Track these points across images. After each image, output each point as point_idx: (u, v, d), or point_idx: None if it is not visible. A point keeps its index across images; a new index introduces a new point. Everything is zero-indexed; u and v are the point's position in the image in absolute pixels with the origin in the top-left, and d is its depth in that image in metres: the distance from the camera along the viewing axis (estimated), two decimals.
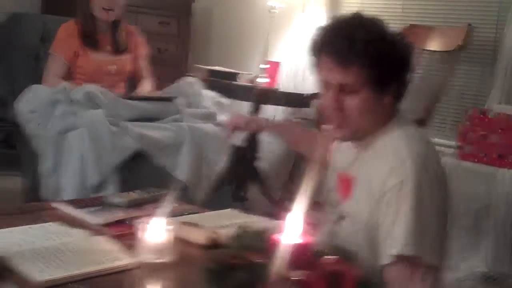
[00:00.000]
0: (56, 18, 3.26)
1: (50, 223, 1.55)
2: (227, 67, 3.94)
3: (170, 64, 4.32)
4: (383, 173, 1.43)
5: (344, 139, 1.59)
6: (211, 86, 3.42)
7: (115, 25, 3.06)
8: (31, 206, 1.91)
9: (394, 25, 3.59)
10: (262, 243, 1.12)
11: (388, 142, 1.49)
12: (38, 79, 2.94)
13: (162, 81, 3.35)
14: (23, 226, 1.50)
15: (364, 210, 1.47)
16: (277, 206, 3.67)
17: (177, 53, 4.43)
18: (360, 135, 1.53)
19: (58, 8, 3.70)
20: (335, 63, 1.46)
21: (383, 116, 1.52)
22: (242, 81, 3.73)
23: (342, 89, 1.48)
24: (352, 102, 1.47)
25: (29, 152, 2.65)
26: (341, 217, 1.55)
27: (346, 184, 1.57)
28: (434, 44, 3.39)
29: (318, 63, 1.52)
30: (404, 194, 1.39)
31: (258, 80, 3.70)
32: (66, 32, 2.97)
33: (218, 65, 3.98)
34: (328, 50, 1.47)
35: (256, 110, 3.74)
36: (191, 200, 2.73)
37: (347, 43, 1.43)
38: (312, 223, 1.17)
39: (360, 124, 1.50)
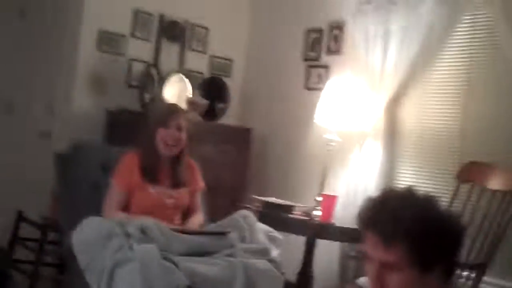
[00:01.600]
0: (117, 149, 3.37)
1: None
2: (283, 198, 3.93)
3: (227, 192, 4.35)
4: None
5: None
6: (265, 218, 3.40)
7: (176, 160, 3.13)
8: None
9: (453, 162, 3.62)
10: None
11: None
12: (97, 209, 3.00)
13: (217, 209, 3.37)
14: None
15: None
16: None
17: (235, 181, 4.48)
18: None
19: (120, 137, 3.83)
20: (379, 241, 1.44)
21: None
22: (297, 214, 3.70)
23: (385, 266, 1.45)
24: (394, 280, 1.44)
25: (82, 284, 2.65)
26: None
27: None
28: (495, 183, 3.31)
29: (364, 236, 1.50)
30: None
31: (314, 213, 3.66)
32: (127, 164, 3.07)
33: (274, 195, 3.98)
34: (372, 228, 1.46)
35: (310, 245, 3.68)
36: None
37: (392, 224, 1.42)
38: None
39: None
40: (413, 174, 3.88)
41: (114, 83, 4.40)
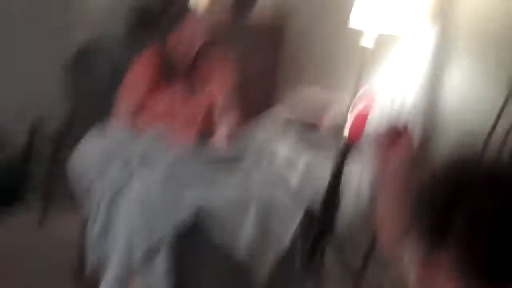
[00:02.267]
0: (137, 44, 3.01)
1: None
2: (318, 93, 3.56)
3: (257, 91, 4.02)
4: None
5: None
6: (290, 134, 3.09)
7: (195, 61, 2.83)
8: None
9: None
10: None
11: None
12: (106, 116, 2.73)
13: (247, 112, 3.04)
14: None
15: None
16: (355, 277, 3.31)
17: (264, 81, 4.12)
18: None
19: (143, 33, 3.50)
20: None
21: None
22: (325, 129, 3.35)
23: None
24: None
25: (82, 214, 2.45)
26: None
27: None
28: None
29: None
30: None
31: (344, 129, 3.31)
32: (141, 64, 2.76)
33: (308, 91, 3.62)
34: None
35: (339, 166, 3.36)
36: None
37: None
38: None
39: None
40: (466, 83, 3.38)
41: None
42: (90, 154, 2.48)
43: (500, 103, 2.75)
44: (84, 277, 2.58)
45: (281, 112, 3.22)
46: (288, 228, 2.55)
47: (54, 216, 3.60)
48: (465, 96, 3.22)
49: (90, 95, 2.93)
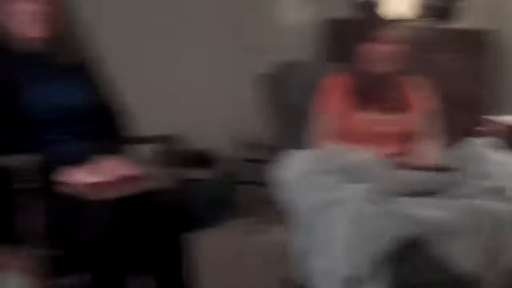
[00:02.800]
0: (333, 66, 2.99)
1: None
2: None
3: (461, 108, 3.78)
4: None
5: None
6: (506, 145, 2.84)
7: (391, 79, 2.68)
8: None
9: None
10: None
11: None
12: (304, 134, 2.72)
13: (450, 130, 2.86)
14: None
15: None
16: None
17: (469, 95, 3.87)
18: None
19: (336, 51, 3.47)
20: None
21: None
22: None
23: None
24: None
25: (290, 226, 2.43)
26: None
27: None
28: None
29: None
30: None
31: None
32: (334, 87, 2.70)
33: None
34: None
35: None
36: None
37: None
38: None
39: None
40: None
41: None
42: (294, 169, 2.44)
43: None
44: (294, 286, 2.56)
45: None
46: None
47: (260, 228, 3.67)
48: None
49: (287, 114, 2.92)
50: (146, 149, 2.25)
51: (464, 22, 4.04)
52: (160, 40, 4.15)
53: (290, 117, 2.86)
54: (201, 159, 3.93)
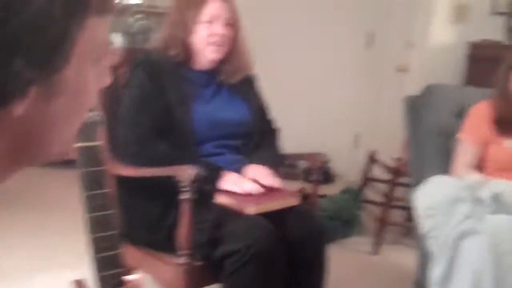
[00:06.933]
0: (476, 90, 2.94)
1: None
2: None
3: None
4: None
5: None
6: None
7: None
8: None
9: None
10: None
11: None
12: (447, 160, 2.67)
13: None
14: None
15: None
16: None
17: None
18: None
19: (482, 75, 3.37)
20: None
21: None
22: None
23: None
24: None
25: (425, 251, 2.39)
26: None
27: None
28: None
29: None
30: None
31: None
32: (478, 114, 2.64)
33: None
34: None
35: None
36: None
37: None
38: None
39: None
40: None
41: (477, 10, 3.91)
42: (436, 194, 2.40)
43: None
44: None
45: None
46: None
47: (387, 246, 3.65)
48: None
49: (429, 138, 2.87)
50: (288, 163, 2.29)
51: None
52: (301, 56, 4.20)
53: (433, 141, 2.82)
54: (330, 175, 3.95)
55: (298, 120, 3.79)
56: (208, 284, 2.08)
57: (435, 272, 2.27)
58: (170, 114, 2.09)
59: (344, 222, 3.73)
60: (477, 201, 2.33)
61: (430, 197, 2.40)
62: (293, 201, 2.14)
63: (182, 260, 1.97)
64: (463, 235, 2.22)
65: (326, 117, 4.24)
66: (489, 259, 2.09)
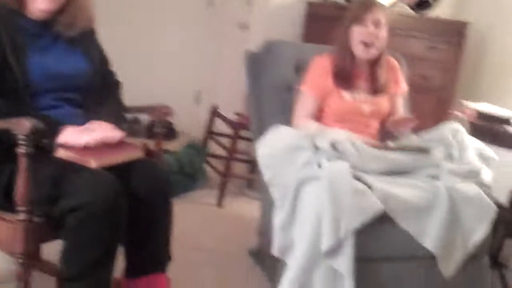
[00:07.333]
0: (314, 47, 3.04)
1: None
2: (499, 105, 3.39)
3: (434, 94, 3.92)
4: None
5: None
6: (477, 130, 2.95)
7: (375, 62, 2.75)
8: None
9: None
10: None
11: None
12: (287, 112, 2.76)
13: (422, 113, 2.96)
14: None
15: None
16: None
17: (443, 82, 3.99)
18: None
19: (319, 33, 3.51)
20: None
21: None
22: None
23: None
24: None
25: (267, 199, 2.48)
26: None
27: None
28: None
29: None
30: None
31: None
32: (318, 68, 2.75)
33: (488, 101, 3.45)
34: None
35: None
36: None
37: None
38: None
39: None
40: None
41: None
42: (276, 144, 2.49)
43: None
44: (265, 257, 2.62)
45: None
46: (479, 223, 2.43)
47: (231, 198, 3.75)
48: None
49: (270, 92, 2.96)
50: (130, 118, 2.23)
51: (441, 11, 4.14)
52: (143, 15, 4.11)
53: (273, 95, 2.90)
54: (173, 131, 3.94)
55: (140, 76, 3.71)
56: (48, 241, 2.01)
57: (278, 218, 2.36)
58: (4, 64, 1.97)
59: (188, 176, 3.76)
60: (317, 149, 2.43)
61: (271, 146, 2.48)
62: (137, 154, 2.11)
63: (20, 217, 1.87)
64: (303, 181, 2.32)
65: (168, 74, 4.20)
66: (327, 202, 2.20)
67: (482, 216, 2.44)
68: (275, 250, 2.36)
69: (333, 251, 2.19)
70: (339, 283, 2.21)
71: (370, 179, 2.35)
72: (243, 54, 2.98)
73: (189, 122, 4.12)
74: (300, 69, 2.92)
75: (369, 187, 2.31)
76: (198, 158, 3.89)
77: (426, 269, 2.39)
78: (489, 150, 2.70)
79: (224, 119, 3.88)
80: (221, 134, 4.00)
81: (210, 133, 4.07)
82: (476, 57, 4.15)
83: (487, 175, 2.59)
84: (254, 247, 2.99)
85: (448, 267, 2.39)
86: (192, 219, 3.39)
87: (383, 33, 2.70)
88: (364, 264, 2.27)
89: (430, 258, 2.36)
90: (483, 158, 2.65)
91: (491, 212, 2.47)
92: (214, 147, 4.06)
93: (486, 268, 2.57)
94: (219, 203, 3.69)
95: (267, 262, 2.61)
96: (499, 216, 2.63)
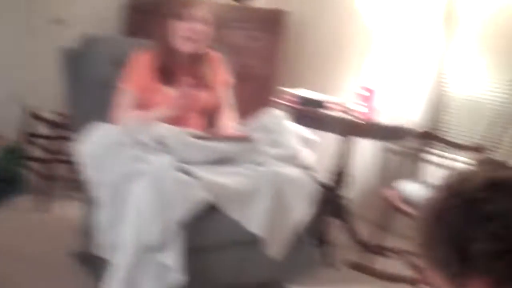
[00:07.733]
0: (134, 41, 2.94)
1: None
2: (317, 90, 3.53)
3: (256, 82, 3.99)
4: None
5: None
6: (297, 114, 3.03)
7: (197, 57, 2.73)
8: None
9: None
10: None
11: None
12: (107, 109, 2.65)
13: (244, 102, 2.99)
14: None
15: None
16: (363, 248, 3.29)
17: (264, 71, 4.07)
18: None
19: (141, 28, 3.41)
20: None
21: None
22: (333, 110, 3.30)
23: None
24: None
25: (90, 199, 2.37)
26: None
27: None
28: None
29: None
30: None
31: (350, 106, 3.27)
32: (139, 63, 2.67)
33: (308, 87, 3.57)
34: None
35: (348, 144, 3.34)
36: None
37: None
38: None
39: None
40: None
41: None
42: (98, 142, 2.38)
43: None
44: (90, 258, 2.51)
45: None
46: (302, 203, 2.52)
47: (57, 202, 3.55)
48: None
49: (90, 89, 2.84)
50: None
51: (264, 1, 4.22)
52: None
53: (93, 92, 2.77)
54: None
55: None
56: None
57: (102, 217, 2.27)
58: None
59: (4, 182, 3.52)
60: (140, 144, 2.36)
61: (92, 145, 2.37)
62: None
63: None
64: (127, 178, 2.24)
65: None
66: (151, 197, 2.15)
67: (304, 197, 2.53)
68: (100, 250, 2.27)
69: (160, 245, 2.15)
70: (169, 276, 2.18)
71: (195, 170, 2.34)
72: (60, 52, 2.82)
73: (3, 124, 3.85)
74: (119, 64, 2.79)
75: (195, 178, 2.29)
76: (15, 162, 3.64)
77: (256, 253, 2.43)
78: (310, 134, 2.79)
79: (43, 119, 3.66)
80: (41, 136, 3.78)
81: (29, 135, 3.82)
82: (295, 45, 4.28)
83: (309, 157, 2.68)
84: (79, 249, 2.86)
85: (275, 248, 2.45)
86: (14, 228, 3.18)
87: (206, 28, 2.68)
88: (196, 254, 2.26)
89: (258, 242, 2.41)
90: (305, 141, 2.74)
91: (314, 192, 2.56)
92: (33, 150, 3.82)
93: (311, 247, 2.67)
94: (43, 208, 3.49)
95: (93, 263, 2.51)
96: (324, 196, 2.74)
